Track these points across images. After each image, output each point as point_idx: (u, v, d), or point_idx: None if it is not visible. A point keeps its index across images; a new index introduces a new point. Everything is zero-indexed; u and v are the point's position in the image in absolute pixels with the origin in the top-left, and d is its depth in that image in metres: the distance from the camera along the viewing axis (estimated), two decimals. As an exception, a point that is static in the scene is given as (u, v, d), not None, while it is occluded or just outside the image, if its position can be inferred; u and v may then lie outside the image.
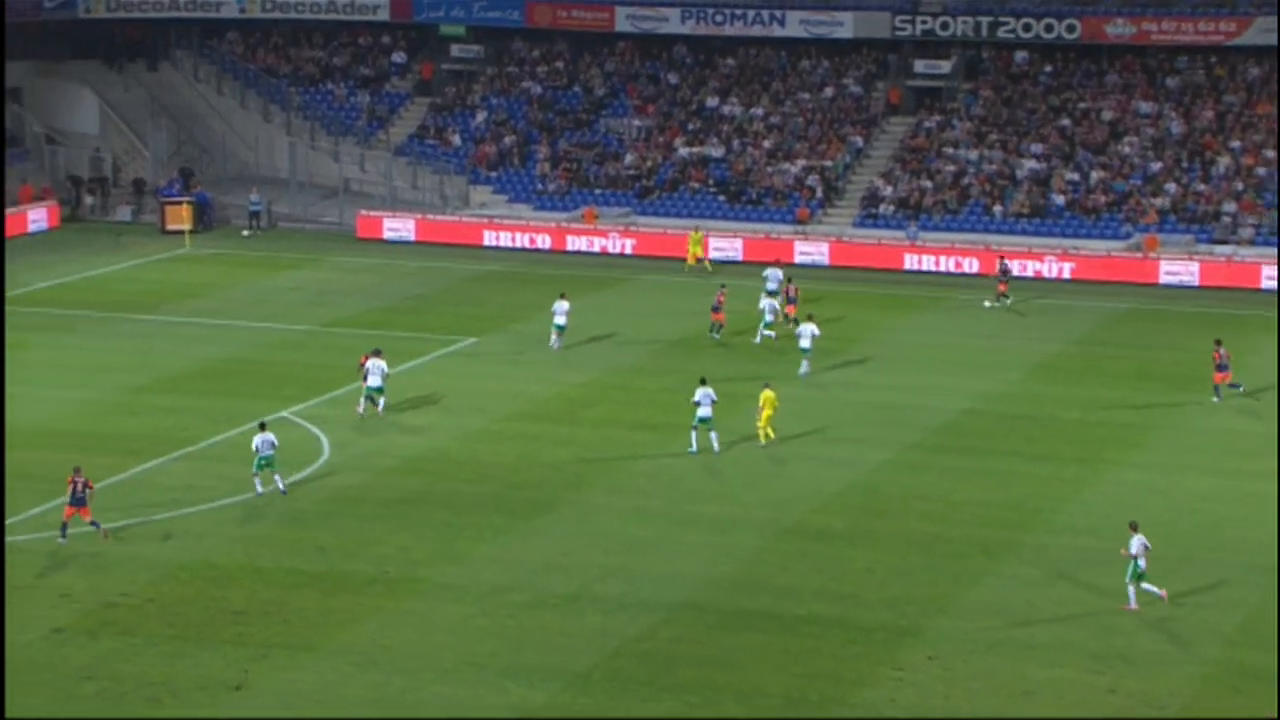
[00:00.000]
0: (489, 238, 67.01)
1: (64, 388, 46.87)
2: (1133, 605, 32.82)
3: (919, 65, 72.91)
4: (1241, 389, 46.62)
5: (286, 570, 34.49)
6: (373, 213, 68.92)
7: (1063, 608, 33.15)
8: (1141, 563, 32.91)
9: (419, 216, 68.40)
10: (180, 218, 67.33)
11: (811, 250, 64.62)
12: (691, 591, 33.63)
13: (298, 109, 76.35)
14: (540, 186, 70.99)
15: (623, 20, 74.67)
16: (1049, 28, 70.38)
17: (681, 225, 66.09)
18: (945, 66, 72.59)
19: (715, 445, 41.63)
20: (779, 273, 55.88)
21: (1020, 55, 72.95)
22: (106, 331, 53.45)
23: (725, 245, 64.76)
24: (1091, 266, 62.52)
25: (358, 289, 59.79)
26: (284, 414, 44.43)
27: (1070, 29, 70.20)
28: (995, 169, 68.33)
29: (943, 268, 63.07)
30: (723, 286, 52.78)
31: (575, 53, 77.51)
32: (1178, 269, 61.78)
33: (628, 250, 65.50)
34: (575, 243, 66.33)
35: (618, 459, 41.51)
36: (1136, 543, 32.98)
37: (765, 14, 72.98)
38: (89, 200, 71.97)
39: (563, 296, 50.87)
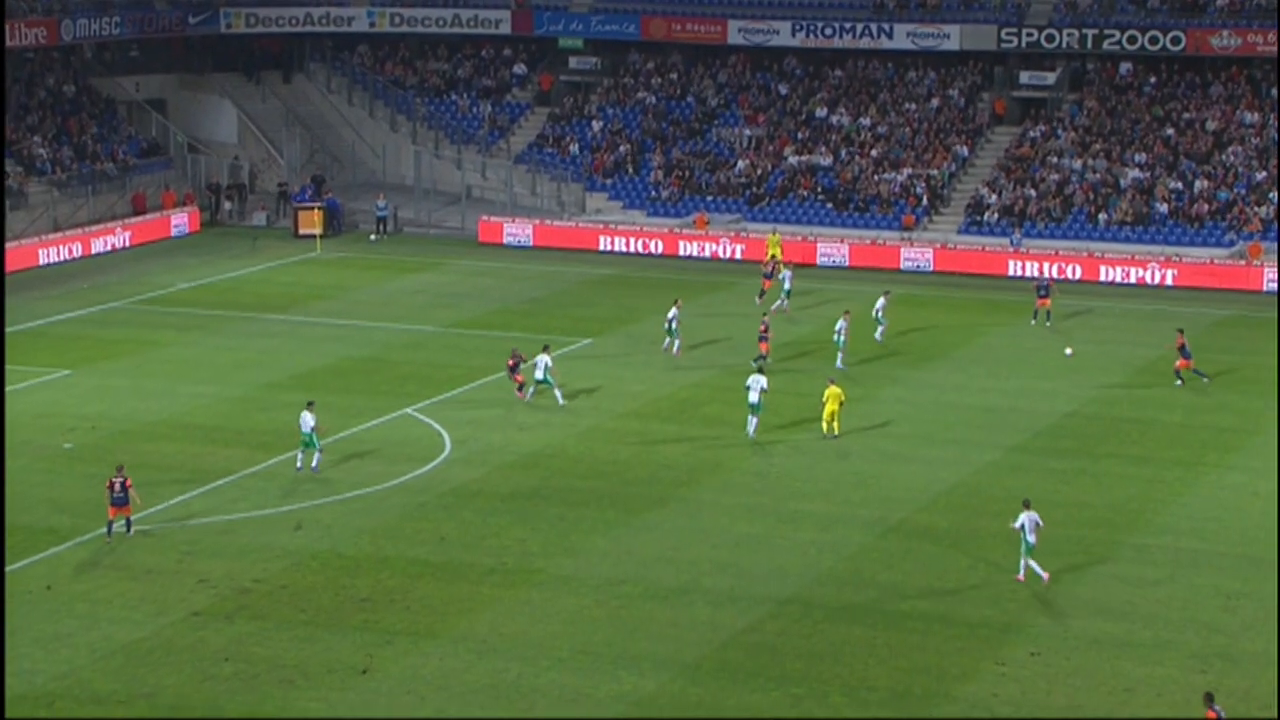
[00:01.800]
0: (604, 243, 67.16)
1: (200, 383, 47.59)
2: (1022, 577, 33.38)
3: (1024, 76, 72.15)
4: (1206, 380, 47.13)
5: (410, 560, 34.78)
6: (493, 218, 69.33)
7: (1163, 607, 32.65)
8: (1031, 538, 33.25)
9: (537, 222, 68.71)
10: (312, 222, 68.14)
11: (916, 256, 64.14)
12: (798, 586, 33.50)
13: (423, 119, 77.00)
14: (654, 193, 71.05)
15: (735, 33, 74.60)
16: (1154, 40, 69.35)
17: (791, 231, 65.89)
18: (1050, 78, 71.77)
19: (752, 431, 42.21)
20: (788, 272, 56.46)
21: (1125, 67, 71.95)
22: (241, 330, 54.19)
23: (832, 251, 64.45)
24: (1194, 273, 61.48)
25: (478, 291, 60.17)
26: (407, 411, 44.81)
27: (1175, 41, 69.11)
28: (1099, 178, 67.42)
29: (1045, 274, 62.33)
30: (764, 315, 51.50)
31: (689, 64, 77.52)
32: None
33: (738, 255, 65.37)
34: (687, 248, 66.30)
35: (727, 457, 41.43)
36: (1026, 519, 33.36)
37: (874, 27, 72.56)
38: (227, 205, 73.06)
39: (675, 303, 50.77)
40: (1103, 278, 61.77)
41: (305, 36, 79.86)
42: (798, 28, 73.50)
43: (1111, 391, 47.29)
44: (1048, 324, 54.25)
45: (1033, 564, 33.57)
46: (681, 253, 66.13)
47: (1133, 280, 61.48)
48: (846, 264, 64.02)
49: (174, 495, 38.31)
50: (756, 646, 30.81)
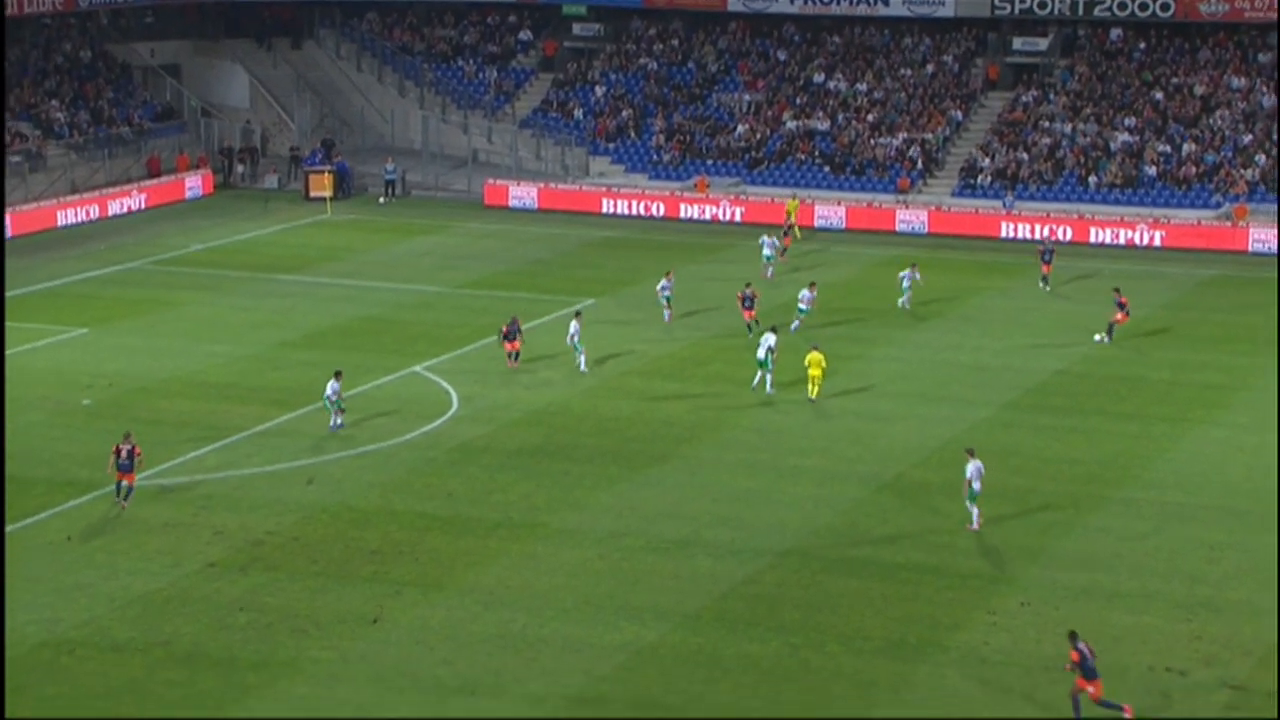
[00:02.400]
0: (607, 205, 66.99)
1: (214, 342, 47.57)
2: (975, 526, 33.57)
3: (1017, 42, 71.85)
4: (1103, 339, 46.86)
5: (418, 514, 34.83)
6: (499, 181, 69.16)
7: (1149, 559, 32.71)
8: (976, 485, 33.59)
9: (542, 185, 68.53)
10: (322, 186, 67.99)
11: (911, 219, 63.99)
12: (796, 539, 33.55)
13: (430, 84, 76.70)
14: (655, 157, 70.84)
15: (734, 1, 74.22)
16: (1143, 6, 68.95)
17: (788, 195, 65.68)
18: (1042, 44, 71.45)
19: (769, 388, 42.21)
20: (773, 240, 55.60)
21: (1115, 33, 71.61)
22: (254, 290, 54.14)
23: (829, 214, 64.30)
24: (1182, 235, 61.33)
25: (484, 253, 60.06)
26: (415, 369, 44.80)
27: (1164, 7, 68.71)
28: (1089, 141, 67.18)
29: (1037, 235, 62.20)
30: (747, 284, 49.29)
31: (689, 31, 77.17)
32: (1266, 236, 60.44)
33: (737, 218, 65.20)
34: (688, 210, 66.14)
35: (727, 415, 41.43)
36: (971, 468, 33.62)
37: (870, -6, 72.26)
38: (240, 169, 72.88)
39: (667, 274, 50.17)
40: (1093, 239, 61.61)
41: (315, 4, 79.51)
42: (796, -5, 73.14)
43: (1101, 350, 47.24)
44: (1047, 288, 54.02)
45: (974, 510, 33.82)
46: (682, 215, 65.99)
47: (1122, 241, 61.34)
48: (843, 226, 63.85)
49: (189, 451, 38.35)
50: (755, 597, 30.87)
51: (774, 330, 43.31)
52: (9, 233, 60.83)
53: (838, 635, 29.35)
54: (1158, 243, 61.23)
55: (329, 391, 39.56)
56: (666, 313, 49.54)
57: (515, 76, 77.62)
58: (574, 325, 44.50)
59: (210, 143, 73.93)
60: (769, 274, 54.49)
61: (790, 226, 60.37)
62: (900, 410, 41.85)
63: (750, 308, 47.72)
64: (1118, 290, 48.24)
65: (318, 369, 43.69)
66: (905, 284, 51.04)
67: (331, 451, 38.52)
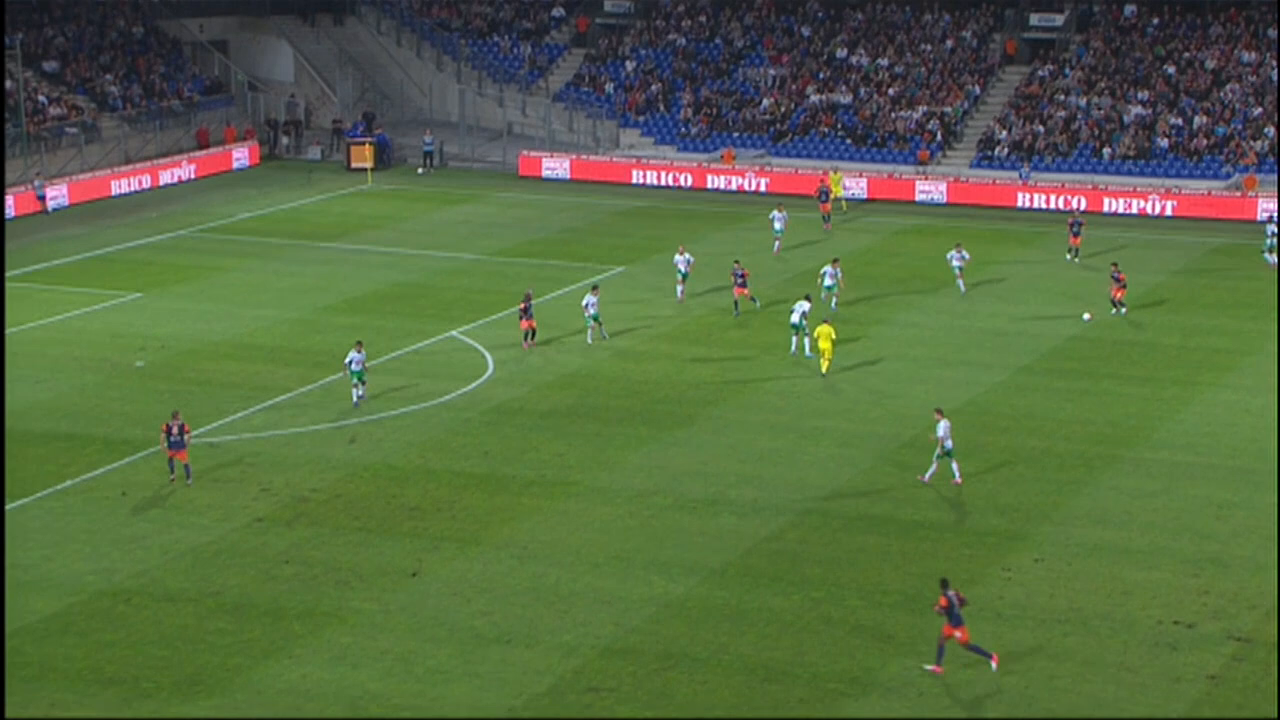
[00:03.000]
0: (636, 176, 66.84)
1: (259, 307, 47.71)
2: (957, 479, 33.75)
3: (1034, 19, 71.29)
4: (1088, 318, 45.67)
5: (455, 472, 34.93)
6: (533, 153, 69.04)
7: (1159, 516, 32.61)
8: (949, 443, 33.69)
9: (574, 157, 68.40)
10: (363, 157, 68.02)
11: (931, 189, 63.68)
12: (817, 498, 33.55)
13: (467, 59, 76.55)
14: (683, 130, 70.60)
15: (760, -23, 73.78)
16: (1157, -17, 68.32)
17: (812, 166, 65.44)
18: (1058, 20, 70.89)
19: (806, 350, 42.02)
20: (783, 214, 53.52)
21: (1129, 9, 70.98)
22: (298, 257, 54.25)
23: (851, 184, 63.97)
24: (1193, 204, 60.90)
25: (518, 222, 60.03)
26: (452, 334, 44.86)
27: (1177, -16, 68.04)
28: (1103, 114, 66.68)
29: (1052, 205, 61.87)
30: (736, 261, 47.79)
31: (716, 8, 76.80)
32: (1275, 206, 59.91)
33: (762, 189, 64.97)
34: (715, 181, 65.94)
35: (751, 378, 41.39)
36: (942, 427, 33.70)
37: (892, -29, 71.78)
38: (284, 140, 72.93)
39: (681, 250, 49.08)
40: (1106, 209, 61.22)
41: (357, -19, 79.37)
42: (820, -28, 72.70)
43: (1113, 316, 46.97)
44: (1076, 260, 53.31)
45: (954, 465, 33.87)
46: (709, 186, 65.80)
47: (1134, 211, 60.94)
48: (865, 197, 63.58)
49: (237, 410, 38.53)
50: (778, 553, 30.90)
51: (807, 298, 43.00)
52: (67, 201, 61.12)
53: (858, 590, 29.36)
54: (1169, 212, 60.80)
55: (354, 363, 38.59)
56: (680, 289, 47.98)
57: (549, 52, 77.40)
58: (590, 298, 43.89)
59: (256, 115, 73.99)
60: (777, 248, 53.71)
61: (834, 198, 59.53)
62: (919, 373, 41.73)
63: (743, 285, 46.09)
64: (1115, 265, 47.88)
65: (359, 333, 43.74)
66: (955, 265, 48.83)
67: (372, 412, 38.64)
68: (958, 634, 26.26)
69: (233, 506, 32.96)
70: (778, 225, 53.94)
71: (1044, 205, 61.78)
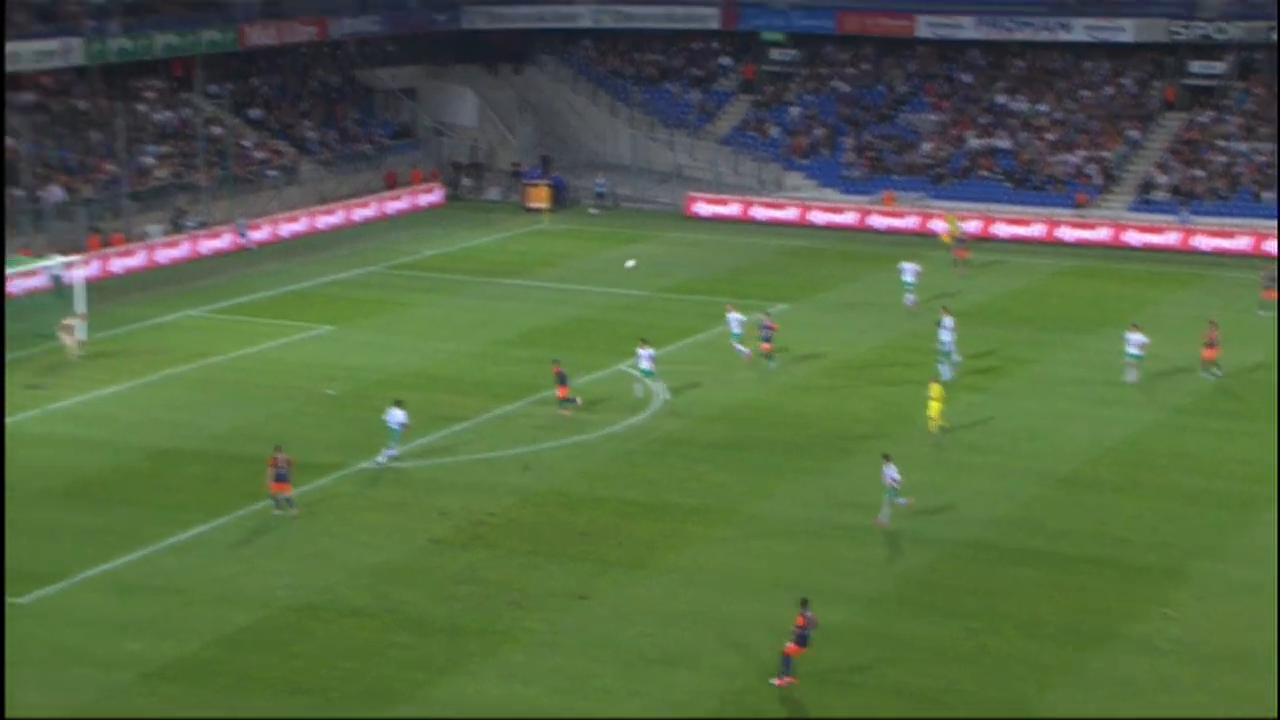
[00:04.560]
0: (800, 217, 66.57)
1: (441, 340, 48.43)
2: (885, 520, 32.71)
3: (1194, 66, 69.54)
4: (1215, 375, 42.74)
5: (622, 500, 35.00)
6: (701, 195, 69.23)
7: (1319, 559, 31.36)
8: (893, 482, 32.75)
9: (740, 198, 68.42)
10: (540, 198, 68.82)
11: (1088, 233, 62.36)
12: (974, 530, 32.93)
13: (639, 105, 77.11)
14: (846, 173, 70.19)
15: (923, 27, 73.21)
16: (1319, 29, 66.23)
17: (971, 209, 64.56)
18: (1219, 67, 69.05)
19: (948, 373, 41.84)
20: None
21: (1291, 55, 68.91)
22: (478, 293, 54.99)
23: (1009, 228, 62.94)
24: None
25: (686, 260, 60.14)
26: (621, 367, 45.05)
27: (1341, 30, 65.88)
28: (1265, 159, 64.68)
29: (1208, 248, 60.16)
30: (766, 314, 46.07)
31: (880, 56, 76.33)
32: None
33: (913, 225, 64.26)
34: (876, 223, 65.44)
35: (910, 413, 40.83)
36: (889, 472, 32.71)
37: (1052, 21, 70.69)
38: (466, 182, 74.14)
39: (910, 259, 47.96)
40: (1266, 249, 59.32)
41: (536, 32, 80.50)
42: (981, 22, 71.87)
43: (1269, 357, 45.37)
44: (1266, 315, 49.43)
45: (899, 500, 32.87)
46: (870, 227, 65.30)
47: (1296, 254, 58.92)
48: (1024, 239, 62.47)
49: (419, 437, 39.09)
50: (934, 584, 30.38)
51: (947, 311, 42.56)
52: (269, 236, 62.82)
53: (1014, 621, 28.72)
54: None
55: (395, 423, 36.51)
56: (743, 350, 44.36)
57: (717, 98, 77.61)
58: (646, 352, 41.98)
59: (441, 158, 75.35)
60: (909, 300, 50.67)
61: (952, 238, 58.51)
62: (1076, 411, 40.80)
63: (767, 340, 43.90)
64: (1214, 324, 44.36)
65: (534, 365, 44.27)
66: (908, 279, 48.60)
67: (546, 441, 38.94)
68: (796, 649, 26.20)
69: (412, 528, 33.42)
70: (908, 277, 50.43)
71: (1202, 249, 60.04)
